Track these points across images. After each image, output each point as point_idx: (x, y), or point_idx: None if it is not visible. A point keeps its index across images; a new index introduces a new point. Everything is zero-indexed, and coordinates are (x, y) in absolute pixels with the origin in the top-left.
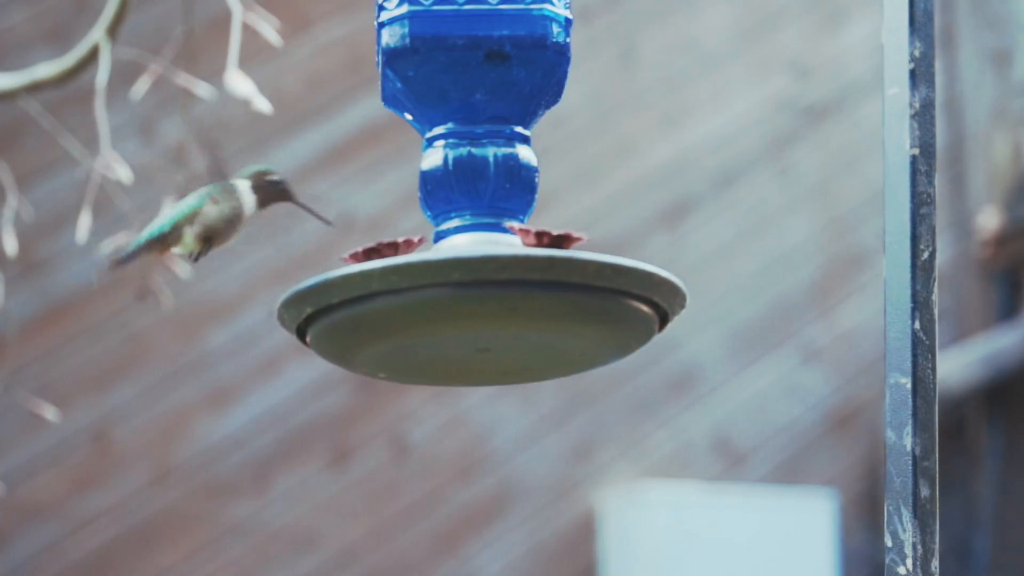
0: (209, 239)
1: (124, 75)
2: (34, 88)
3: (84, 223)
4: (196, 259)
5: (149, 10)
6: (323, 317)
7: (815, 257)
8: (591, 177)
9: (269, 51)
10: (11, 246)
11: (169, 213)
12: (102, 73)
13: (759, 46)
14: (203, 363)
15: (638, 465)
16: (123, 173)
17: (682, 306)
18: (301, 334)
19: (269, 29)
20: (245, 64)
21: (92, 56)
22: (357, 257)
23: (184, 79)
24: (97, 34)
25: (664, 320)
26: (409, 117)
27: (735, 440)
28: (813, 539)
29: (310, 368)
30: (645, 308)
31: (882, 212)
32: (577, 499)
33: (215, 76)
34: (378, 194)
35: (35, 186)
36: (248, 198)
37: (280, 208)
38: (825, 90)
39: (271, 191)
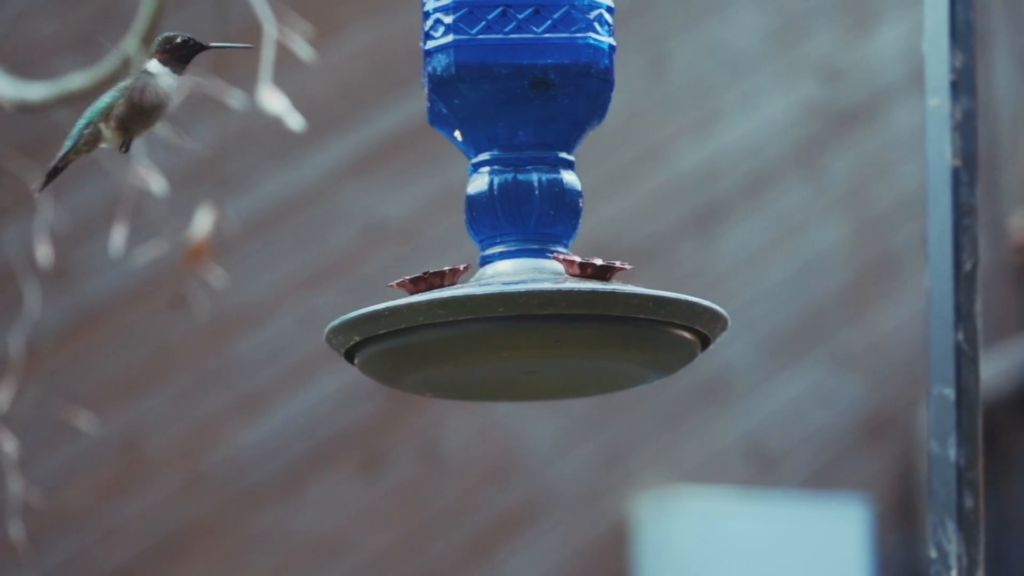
0: (127, 129)
1: None
2: (68, 100)
3: (119, 235)
4: (124, 150)
5: (176, 15)
6: (371, 344)
7: (847, 262)
8: (622, 183)
9: (296, 59)
10: (46, 255)
11: (85, 113)
12: None
13: (790, 51)
14: (233, 371)
15: (670, 472)
16: (157, 184)
17: (723, 329)
18: (349, 356)
19: (303, 44)
20: (273, 72)
21: (125, 66)
22: (405, 286)
23: (216, 88)
24: (130, 44)
25: (706, 342)
26: (458, 136)
27: (768, 447)
28: (846, 546)
29: (340, 376)
30: (687, 334)
31: (916, 218)
32: (609, 507)
33: (245, 81)
34: (407, 201)
35: (63, 194)
36: (162, 74)
37: (313, 217)
38: (856, 94)
39: (183, 54)
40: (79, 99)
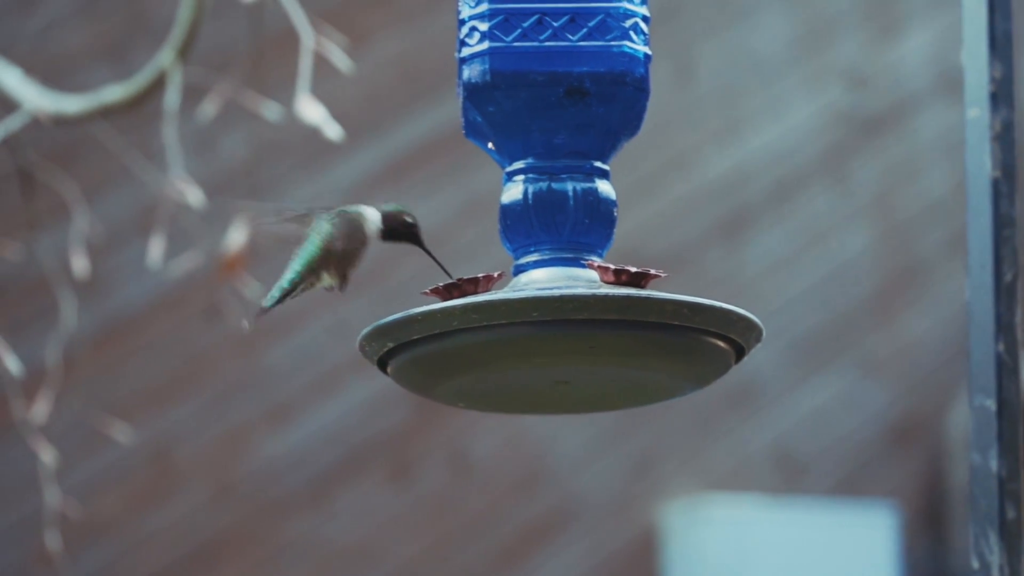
0: (344, 273)
1: (183, 92)
2: (104, 112)
3: (157, 247)
4: (339, 290)
5: (211, 24)
6: (404, 351)
7: (873, 269)
8: (649, 190)
9: (325, 67)
10: (82, 266)
11: (299, 259)
12: (172, 96)
13: (816, 57)
14: (263, 380)
15: (699, 480)
16: (193, 195)
17: (758, 340)
18: (382, 364)
19: (340, 55)
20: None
21: (161, 78)
22: (439, 292)
23: (250, 98)
24: (165, 57)
25: (741, 353)
26: (491, 146)
27: (795, 454)
28: (875, 553)
29: (370, 385)
30: (722, 343)
31: (943, 225)
32: (638, 514)
33: (275, 90)
34: (435, 209)
35: (93, 204)
36: (373, 226)
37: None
38: (882, 101)
39: (401, 231)
40: (115, 111)
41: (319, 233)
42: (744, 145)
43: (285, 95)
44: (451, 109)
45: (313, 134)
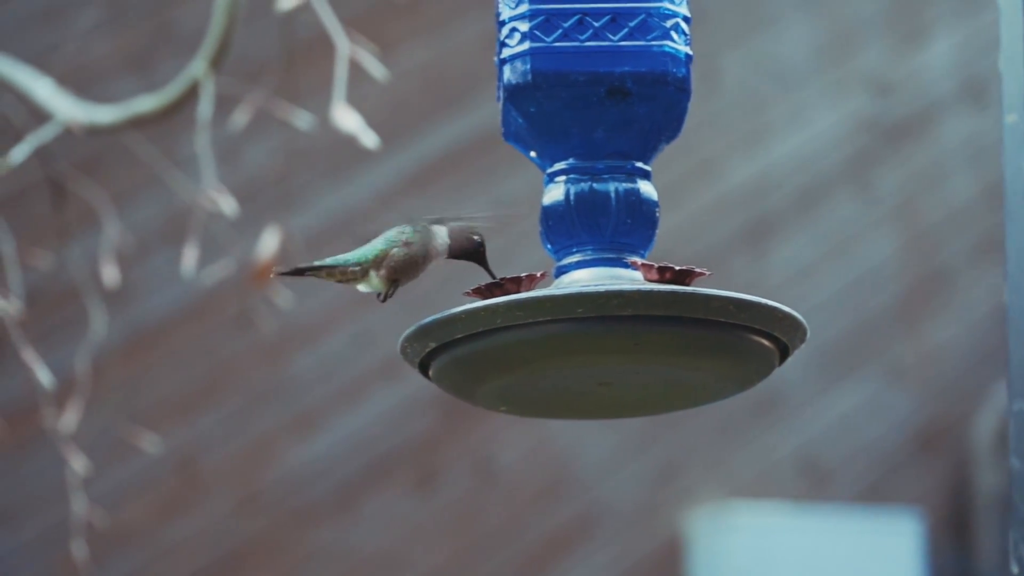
0: (395, 280)
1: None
2: (136, 123)
3: (190, 255)
4: (384, 299)
5: (240, 30)
6: (446, 351)
7: (898, 276)
8: (673, 197)
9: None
10: (112, 276)
11: (356, 251)
12: (205, 106)
13: (839, 65)
14: (288, 389)
15: (723, 487)
16: (227, 205)
17: (802, 340)
18: (423, 368)
19: (374, 62)
20: (326, 90)
21: (193, 88)
22: (480, 292)
23: (280, 107)
24: (198, 67)
25: (784, 354)
26: (534, 155)
27: (820, 461)
28: (899, 560)
29: (395, 393)
30: (766, 342)
31: (967, 232)
32: (663, 522)
33: (302, 98)
34: (458, 216)
35: (119, 212)
36: (441, 243)
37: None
38: (906, 108)
39: (467, 248)
40: (148, 121)
41: (385, 237)
42: (768, 152)
43: (312, 103)
44: (476, 118)
45: (338, 143)
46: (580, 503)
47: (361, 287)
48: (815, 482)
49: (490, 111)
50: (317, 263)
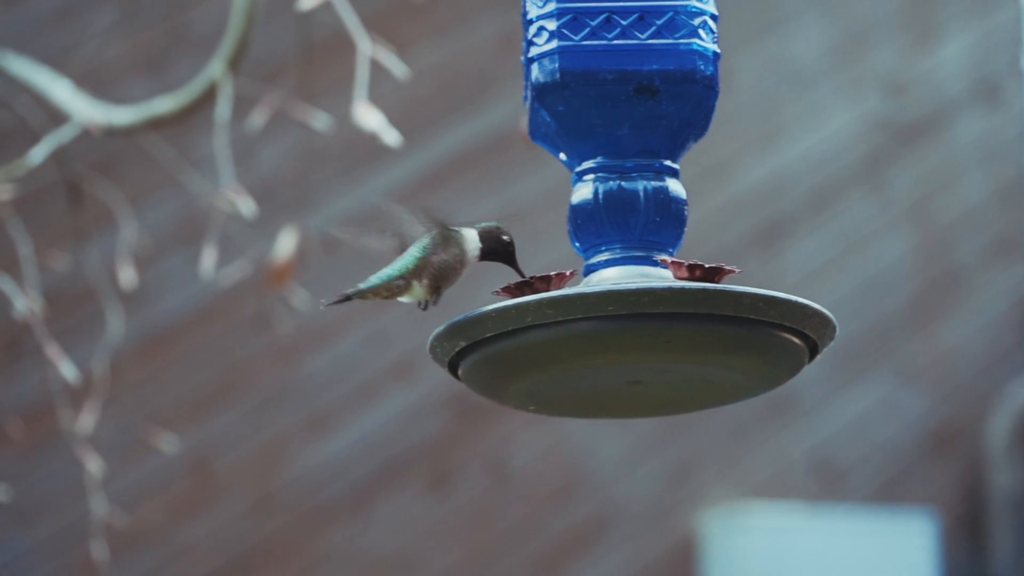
0: (438, 287)
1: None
2: (154, 124)
3: (209, 256)
4: (426, 308)
5: (258, 30)
6: (476, 350)
7: (912, 276)
8: (687, 197)
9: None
10: (129, 278)
11: (395, 264)
12: (223, 108)
13: (853, 65)
14: (302, 390)
15: (738, 487)
16: (246, 206)
17: (832, 337)
18: (452, 367)
19: (395, 61)
20: (341, 90)
21: (211, 89)
22: (510, 291)
23: (297, 107)
24: (216, 68)
25: (814, 352)
26: (563, 157)
27: (834, 461)
28: (913, 560)
29: (409, 394)
30: (796, 340)
31: (981, 232)
32: (677, 522)
33: (318, 98)
34: (475, 218)
35: (136, 213)
36: (473, 246)
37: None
38: (919, 108)
39: (498, 248)
40: (166, 123)
41: (420, 246)
42: (782, 153)
43: (328, 103)
44: (490, 118)
45: (354, 143)
46: (594, 504)
47: (403, 298)
48: (829, 482)
49: (504, 112)
50: (362, 286)
